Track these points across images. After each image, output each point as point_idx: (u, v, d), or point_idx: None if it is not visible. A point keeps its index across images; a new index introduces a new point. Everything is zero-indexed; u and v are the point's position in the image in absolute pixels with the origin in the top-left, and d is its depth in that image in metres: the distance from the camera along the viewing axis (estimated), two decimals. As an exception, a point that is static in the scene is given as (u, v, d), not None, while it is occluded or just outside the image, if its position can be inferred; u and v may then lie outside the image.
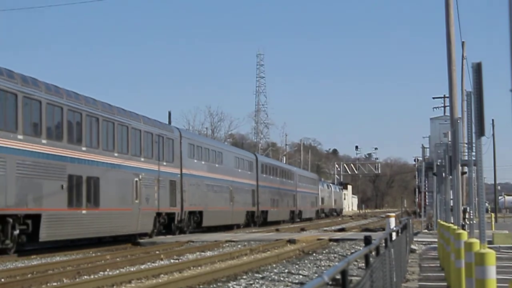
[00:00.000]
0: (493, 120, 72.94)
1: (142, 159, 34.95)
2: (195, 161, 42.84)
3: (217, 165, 46.98)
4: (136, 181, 33.94)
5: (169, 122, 56.19)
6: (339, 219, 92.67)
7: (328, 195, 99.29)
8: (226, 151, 50.82)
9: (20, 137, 24.72)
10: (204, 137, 58.77)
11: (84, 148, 29.31)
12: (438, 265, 21.19)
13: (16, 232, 24.86)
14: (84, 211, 29.00)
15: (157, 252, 27.66)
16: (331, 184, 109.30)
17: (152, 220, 35.93)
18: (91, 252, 28.82)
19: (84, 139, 29.35)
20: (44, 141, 26.24)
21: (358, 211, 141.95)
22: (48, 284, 17.63)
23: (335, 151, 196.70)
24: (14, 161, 24.28)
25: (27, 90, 25.25)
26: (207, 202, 44.33)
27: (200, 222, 43.12)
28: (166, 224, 38.51)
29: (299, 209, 73.51)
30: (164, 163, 37.70)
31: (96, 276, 18.99)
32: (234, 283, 17.06)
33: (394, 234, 12.98)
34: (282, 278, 18.15)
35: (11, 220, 24.42)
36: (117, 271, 20.31)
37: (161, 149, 37.44)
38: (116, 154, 32.13)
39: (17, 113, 24.70)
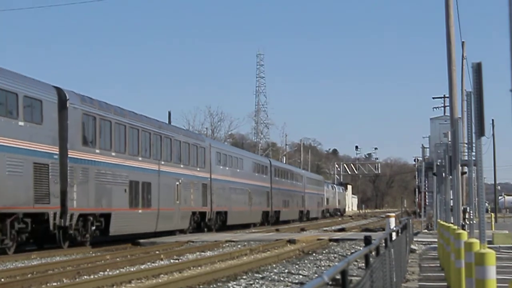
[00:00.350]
0: (493, 120, 73.00)
1: (182, 166, 40.68)
2: (221, 167, 48.52)
3: (238, 170, 52.54)
4: (177, 184, 39.53)
5: (169, 122, 56.25)
6: (339, 219, 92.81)
7: (333, 196, 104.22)
8: (245, 158, 56.43)
9: (97, 151, 30.63)
10: (228, 145, 65.81)
11: (140, 158, 34.93)
12: (438, 265, 21.20)
13: (93, 227, 30.52)
14: (140, 211, 34.56)
15: (157, 252, 27.66)
16: (335, 185, 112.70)
17: (189, 219, 41.50)
18: (91, 252, 28.83)
19: (140, 151, 35.03)
20: (113, 154, 32.06)
21: (358, 211, 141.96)
22: (48, 284, 17.63)
23: (335, 151, 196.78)
24: (94, 171, 30.08)
25: (102, 113, 31.15)
26: (231, 203, 49.89)
27: (225, 221, 48.44)
28: (199, 222, 43.80)
29: (307, 209, 78.66)
30: (198, 169, 43.54)
31: (96, 276, 18.99)
32: (234, 283, 17.06)
33: (394, 234, 12.98)
34: (282, 278, 18.15)
35: (91, 218, 30.14)
36: (117, 271, 20.31)
37: (195, 157, 43.29)
38: (162, 162, 37.66)
39: (96, 132, 30.66)
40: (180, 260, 23.89)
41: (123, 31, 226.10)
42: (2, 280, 18.32)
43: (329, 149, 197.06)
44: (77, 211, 28.72)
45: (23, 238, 26.29)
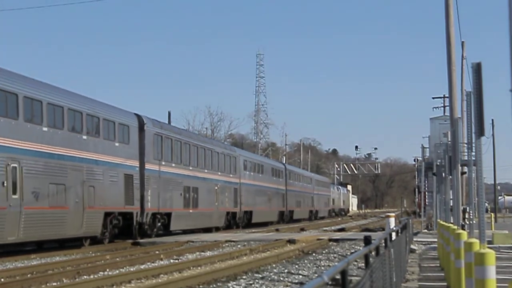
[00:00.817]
0: (492, 120, 72.92)
1: (219, 173, 48.32)
2: (247, 173, 55.63)
3: (260, 175, 59.67)
4: (216, 189, 47.14)
5: (169, 122, 56.32)
6: (339, 219, 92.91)
7: (338, 196, 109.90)
8: (265, 164, 64.02)
9: (163, 163, 38.30)
10: (252, 154, 71.22)
11: (191, 168, 42.67)
12: (438, 265, 21.20)
13: (159, 224, 37.83)
14: (191, 211, 42.19)
15: (157, 252, 27.66)
16: (340, 187, 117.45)
17: (224, 217, 49.11)
18: (90, 252, 28.82)
19: (190, 162, 42.73)
20: (173, 165, 39.87)
21: (358, 211, 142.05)
22: (48, 284, 17.63)
23: (335, 151, 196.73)
24: (161, 179, 37.69)
25: (166, 133, 39.34)
26: (255, 204, 57.03)
27: (250, 219, 55.53)
28: (230, 220, 51.00)
29: (316, 209, 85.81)
30: (230, 175, 51.04)
31: (95, 276, 18.99)
32: (234, 283, 17.06)
33: (394, 234, 12.98)
34: (282, 278, 18.15)
35: (158, 216, 37.60)
36: (117, 271, 20.32)
37: (228, 165, 50.78)
38: (206, 171, 45.57)
39: (162, 148, 38.36)
40: (180, 260, 23.89)
41: (122, 31, 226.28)
42: (2, 280, 18.32)
43: (329, 149, 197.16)
44: (150, 210, 36.19)
45: (115, 231, 33.44)
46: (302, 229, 49.97)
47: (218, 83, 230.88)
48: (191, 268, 21.04)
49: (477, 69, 9.05)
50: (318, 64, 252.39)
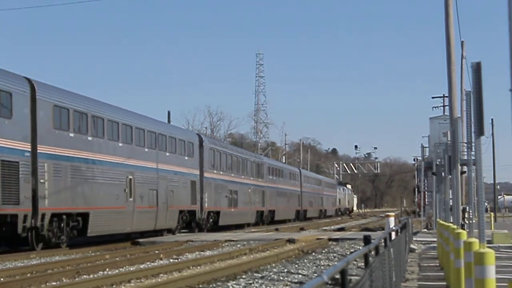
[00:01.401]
0: (492, 119, 72.92)
1: (251, 178, 57.66)
2: (270, 177, 64.22)
3: (281, 179, 68.30)
4: (249, 192, 56.22)
5: (169, 122, 56.33)
6: (339, 218, 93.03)
7: (343, 197, 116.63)
8: (285, 169, 73.14)
9: (215, 171, 47.86)
10: (274, 160, 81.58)
11: (232, 175, 52.06)
12: (438, 264, 21.20)
13: (211, 220, 46.78)
14: (232, 209, 51.21)
15: (157, 251, 27.65)
16: (345, 188, 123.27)
17: (255, 215, 58.35)
18: (90, 252, 28.82)
19: (233, 170, 52.52)
20: (221, 173, 49.36)
21: (357, 211, 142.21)
22: (47, 284, 17.62)
23: (334, 150, 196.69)
24: (213, 184, 47.23)
25: (217, 147, 49.58)
26: (277, 203, 65.81)
27: (273, 217, 64.13)
28: (258, 218, 59.57)
29: (324, 208, 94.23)
30: (259, 180, 60.16)
31: (95, 276, 18.98)
32: (234, 282, 17.06)
33: (393, 233, 12.98)
34: (281, 278, 18.15)
35: (211, 214, 46.75)
36: (117, 271, 20.31)
37: (257, 171, 60.14)
38: (242, 176, 54.84)
39: (214, 159, 48.06)
40: (179, 260, 23.89)
41: (122, 31, 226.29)
42: (2, 279, 18.31)
43: (329, 148, 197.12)
44: (207, 209, 45.60)
45: (183, 225, 42.55)
46: (302, 229, 49.97)
47: (218, 82, 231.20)
48: (191, 267, 21.03)
49: (477, 68, 9.06)
50: (318, 64, 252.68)
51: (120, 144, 33.71)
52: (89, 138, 30.79)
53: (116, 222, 32.93)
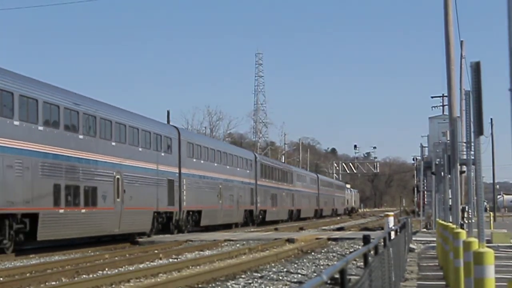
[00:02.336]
0: (491, 119, 72.78)
1: (285, 184, 70.34)
2: (298, 182, 76.60)
3: (304, 184, 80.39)
4: (283, 194, 68.76)
5: (168, 122, 56.26)
6: (338, 218, 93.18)
7: (350, 197, 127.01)
8: (307, 175, 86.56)
9: (265, 180, 60.96)
10: (299, 169, 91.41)
11: (273, 181, 65.15)
12: (437, 264, 21.20)
13: (260, 217, 59.16)
14: (274, 208, 64.53)
15: (156, 251, 27.65)
16: (352, 189, 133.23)
17: (287, 213, 70.54)
18: (89, 252, 28.81)
19: (274, 178, 65.77)
20: (267, 180, 62.35)
21: (358, 210, 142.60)
22: (46, 284, 17.62)
23: (333, 150, 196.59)
24: (263, 189, 59.96)
25: (266, 162, 63.87)
26: (301, 204, 77.69)
27: (299, 215, 76.31)
28: (290, 216, 72.36)
29: (336, 207, 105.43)
30: (290, 185, 72.46)
31: (94, 276, 18.98)
32: (233, 282, 17.06)
33: (393, 233, 12.98)
34: (280, 278, 18.15)
35: (261, 212, 60.14)
36: (116, 271, 20.31)
37: (289, 178, 72.96)
38: (279, 183, 67.73)
39: (263, 171, 60.70)
40: (178, 259, 23.89)
41: (121, 31, 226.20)
42: (1, 279, 18.31)
43: (328, 148, 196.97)
44: (260, 209, 58.50)
45: (248, 222, 55.11)
46: (301, 228, 49.94)
47: (217, 82, 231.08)
48: (190, 267, 21.03)
49: (476, 68, 9.06)
50: (317, 64, 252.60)
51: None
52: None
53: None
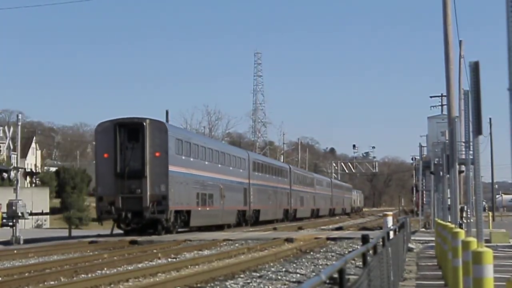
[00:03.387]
0: (490, 118, 72.79)
1: (309, 187, 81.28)
2: (317, 186, 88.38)
3: (321, 187, 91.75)
4: (307, 196, 79.92)
5: (167, 121, 56.23)
6: (337, 218, 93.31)
7: (356, 198, 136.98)
8: (323, 179, 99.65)
9: (296, 185, 72.81)
10: (321, 176, 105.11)
11: (302, 186, 76.86)
12: (436, 264, 21.21)
13: (293, 214, 70.72)
14: (302, 208, 75.76)
15: (155, 251, 27.61)
16: (358, 190, 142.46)
17: (310, 212, 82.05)
18: (88, 251, 28.79)
19: (302, 183, 76.85)
20: (298, 185, 73.77)
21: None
22: (45, 283, 17.60)
23: (332, 149, 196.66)
24: (295, 192, 71.43)
25: (297, 171, 77.89)
26: (320, 205, 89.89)
27: (318, 214, 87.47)
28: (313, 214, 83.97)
29: (345, 207, 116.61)
30: (311, 188, 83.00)
31: (93, 275, 18.97)
32: (232, 282, 17.05)
33: (391, 233, 12.98)
34: (279, 277, 18.15)
35: (294, 210, 71.98)
36: (115, 270, 20.30)
37: (312, 183, 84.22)
38: (305, 187, 78.53)
39: (294, 178, 71.96)
40: (177, 259, 23.87)
41: (120, 30, 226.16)
42: (0, 279, 18.29)
43: (327, 147, 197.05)
44: (293, 208, 69.75)
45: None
46: (300, 228, 49.90)
47: (216, 82, 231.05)
48: (189, 267, 21.01)
49: (475, 67, 9.06)
50: (316, 63, 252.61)
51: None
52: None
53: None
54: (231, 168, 49.51)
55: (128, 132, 35.91)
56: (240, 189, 50.85)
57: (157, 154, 35.93)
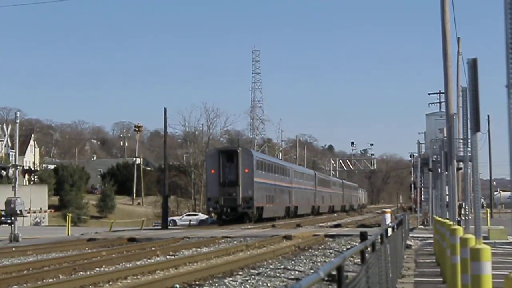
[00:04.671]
0: (488, 115, 72.80)
1: (335, 188, 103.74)
2: (332, 186, 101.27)
3: (333, 187, 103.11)
4: (335, 195, 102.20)
5: (165, 119, 56.11)
6: (335, 215, 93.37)
7: (361, 195, 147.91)
8: (335, 180, 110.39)
9: (325, 187, 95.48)
10: (336, 178, 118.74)
11: (332, 189, 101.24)
12: (434, 260, 21.22)
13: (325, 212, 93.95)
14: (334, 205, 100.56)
15: (153, 248, 27.62)
16: (363, 189, 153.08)
17: (328, 208, 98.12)
18: (87, 249, 28.80)
19: (331, 186, 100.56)
20: (330, 187, 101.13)
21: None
22: (44, 281, 17.60)
23: (330, 147, 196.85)
24: (325, 194, 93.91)
25: (323, 177, 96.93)
26: (333, 202, 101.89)
27: (334, 209, 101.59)
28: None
29: (352, 204, 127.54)
30: (329, 188, 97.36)
31: (92, 273, 18.98)
32: (230, 279, 17.06)
33: (389, 230, 12.99)
34: (278, 274, 18.16)
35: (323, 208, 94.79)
36: (113, 267, 20.31)
37: (340, 187, 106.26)
38: (335, 187, 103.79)
39: (323, 183, 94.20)
40: (176, 256, 23.88)
41: (119, 28, 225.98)
42: (-2, 276, 18.30)
43: (325, 145, 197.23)
44: (317, 205, 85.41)
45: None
46: (299, 225, 49.93)
47: (214, 79, 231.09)
48: (187, 264, 21.03)
49: (473, 65, 9.07)
50: (314, 61, 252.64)
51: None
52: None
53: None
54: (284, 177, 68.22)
55: (227, 156, 53.73)
56: (286, 192, 67.49)
57: (246, 170, 53.27)
